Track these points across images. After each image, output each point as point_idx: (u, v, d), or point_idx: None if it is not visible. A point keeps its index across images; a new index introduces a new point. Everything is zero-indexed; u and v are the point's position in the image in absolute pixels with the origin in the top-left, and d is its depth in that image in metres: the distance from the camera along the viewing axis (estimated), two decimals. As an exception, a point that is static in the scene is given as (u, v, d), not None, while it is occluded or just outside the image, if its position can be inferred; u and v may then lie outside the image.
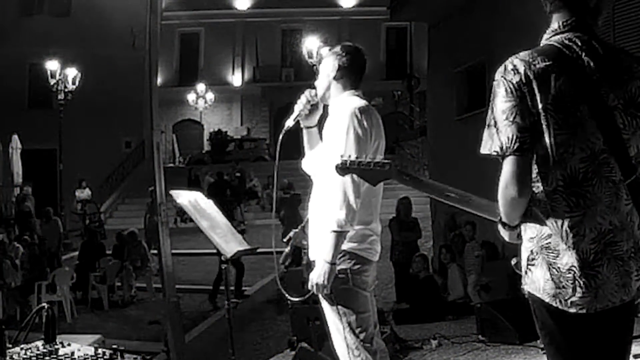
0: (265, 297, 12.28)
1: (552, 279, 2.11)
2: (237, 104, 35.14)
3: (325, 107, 3.55)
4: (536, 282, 2.15)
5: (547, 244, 2.12)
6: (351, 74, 3.51)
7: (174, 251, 7.84)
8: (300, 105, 3.49)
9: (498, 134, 2.10)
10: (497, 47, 10.87)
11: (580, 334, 2.15)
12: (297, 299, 3.85)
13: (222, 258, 4.61)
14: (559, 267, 2.10)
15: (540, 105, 2.08)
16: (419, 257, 9.96)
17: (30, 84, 26.93)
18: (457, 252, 10.39)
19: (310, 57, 24.16)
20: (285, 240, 3.87)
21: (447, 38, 12.82)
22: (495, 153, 2.12)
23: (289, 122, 3.48)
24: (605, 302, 2.11)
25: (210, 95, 33.72)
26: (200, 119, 34.42)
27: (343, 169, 2.44)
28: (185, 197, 4.73)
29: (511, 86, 2.09)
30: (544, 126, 2.08)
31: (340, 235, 3.20)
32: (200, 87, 33.56)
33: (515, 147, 2.07)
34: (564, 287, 2.10)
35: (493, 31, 10.77)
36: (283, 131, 3.46)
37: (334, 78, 3.47)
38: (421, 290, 9.40)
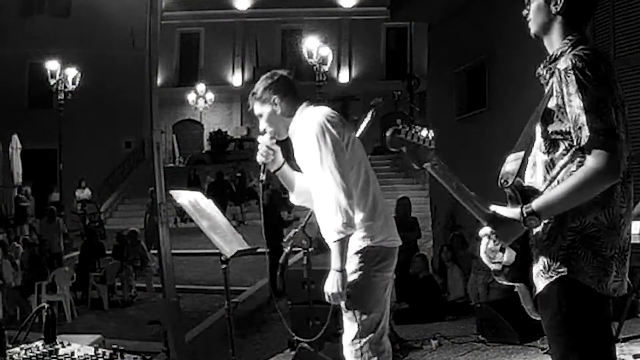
0: (265, 297, 12.27)
1: (599, 267, 2.24)
2: (237, 104, 35.11)
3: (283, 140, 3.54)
4: (580, 270, 2.25)
5: (591, 232, 2.25)
6: (292, 96, 3.47)
7: (174, 251, 7.85)
8: (262, 157, 3.47)
9: (598, 119, 2.19)
10: (497, 47, 10.88)
11: (607, 316, 2.32)
12: (307, 341, 3.92)
13: (222, 258, 4.60)
14: (604, 255, 2.25)
15: (616, 102, 2.24)
16: (418, 257, 9.96)
17: (30, 84, 26.95)
18: (457, 253, 10.38)
19: (310, 57, 24.15)
20: (285, 240, 3.87)
21: (447, 38, 12.82)
22: (601, 136, 2.18)
23: (262, 177, 3.49)
24: (624, 289, 2.31)
25: (210, 95, 33.71)
26: (200, 119, 34.41)
27: (396, 141, 2.24)
28: (185, 197, 4.72)
29: (600, 78, 2.22)
30: (618, 120, 2.24)
31: (343, 242, 3.22)
32: (200, 87, 33.55)
33: (617, 132, 2.20)
34: (607, 273, 2.25)
35: (493, 31, 10.77)
36: (260, 186, 3.54)
37: (282, 113, 3.44)
38: (421, 290, 9.39)
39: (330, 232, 3.22)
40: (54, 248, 14.30)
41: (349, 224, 3.20)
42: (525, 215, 2.23)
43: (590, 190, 2.21)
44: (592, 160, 2.19)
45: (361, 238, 3.30)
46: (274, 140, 3.48)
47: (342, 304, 3.32)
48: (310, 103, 3.47)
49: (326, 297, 3.30)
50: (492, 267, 2.37)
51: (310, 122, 3.33)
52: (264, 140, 3.47)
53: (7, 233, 16.31)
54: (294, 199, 3.67)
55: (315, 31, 30.03)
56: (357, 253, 3.31)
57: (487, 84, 11.52)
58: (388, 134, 2.24)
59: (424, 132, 2.23)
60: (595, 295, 2.24)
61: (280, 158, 3.54)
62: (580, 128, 2.21)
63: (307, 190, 3.52)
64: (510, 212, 2.28)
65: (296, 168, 3.59)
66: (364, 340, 3.30)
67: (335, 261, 3.23)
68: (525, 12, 2.45)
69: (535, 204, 2.24)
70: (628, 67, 7.77)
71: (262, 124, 3.49)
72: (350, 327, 3.35)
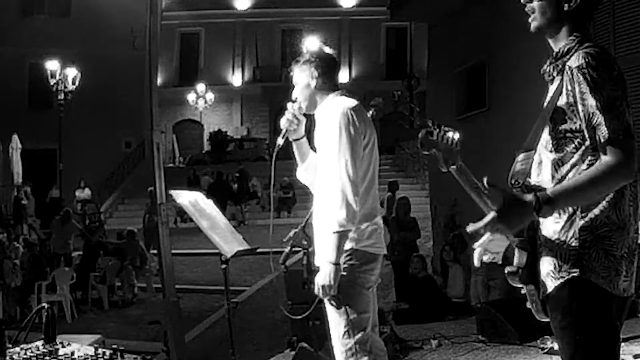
0: (265, 297, 12.27)
1: (610, 266, 2.23)
2: (237, 104, 35.15)
3: (309, 115, 3.54)
4: (592, 269, 2.23)
5: (603, 232, 2.23)
6: (330, 78, 3.49)
7: (174, 251, 7.85)
8: (286, 122, 3.47)
9: (615, 118, 2.18)
10: (497, 47, 10.88)
11: (617, 316, 2.30)
12: (299, 317, 3.90)
13: (222, 258, 4.61)
14: (614, 255, 2.23)
15: (627, 100, 2.24)
16: (416, 258, 9.97)
17: (30, 84, 26.93)
18: (458, 252, 10.39)
19: (310, 57, 24.18)
20: (285, 240, 3.87)
21: (447, 38, 12.83)
22: (620, 135, 2.17)
23: (279, 141, 3.49)
24: (632, 289, 2.29)
25: (210, 95, 33.72)
26: (200, 119, 34.42)
27: (428, 142, 2.19)
28: (185, 197, 4.73)
29: (614, 78, 2.20)
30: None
31: (342, 235, 3.21)
32: (200, 87, 33.56)
33: (633, 134, 2.19)
34: (618, 273, 2.24)
35: (493, 31, 10.78)
36: (275, 150, 3.49)
37: (316, 87, 3.46)
38: (420, 290, 9.40)
39: (332, 222, 3.21)
40: (62, 249, 14.20)
41: (351, 219, 3.20)
42: (541, 201, 2.15)
43: (605, 186, 2.19)
44: (609, 158, 2.17)
45: (349, 239, 3.28)
46: (302, 111, 3.49)
47: (329, 302, 3.29)
48: (344, 93, 3.48)
49: (316, 289, 3.28)
50: (507, 269, 2.35)
51: (338, 108, 3.33)
52: (292, 108, 3.49)
53: (7, 233, 16.29)
54: (300, 173, 3.65)
55: (315, 31, 30.08)
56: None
57: (487, 84, 11.52)
58: (421, 135, 2.20)
59: (450, 134, 2.20)
60: (606, 295, 2.23)
61: (302, 130, 3.55)
62: (594, 128, 2.18)
63: (313, 171, 3.53)
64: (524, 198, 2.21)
65: (312, 148, 3.59)
66: (355, 338, 3.29)
67: (331, 253, 3.21)
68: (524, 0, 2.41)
69: (551, 191, 2.19)
70: (628, 67, 7.77)
71: (295, 92, 3.51)
72: (337, 325, 3.33)
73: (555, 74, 2.33)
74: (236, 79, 35.01)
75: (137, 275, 13.70)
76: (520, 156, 2.36)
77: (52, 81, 22.59)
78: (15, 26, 25.85)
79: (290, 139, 3.54)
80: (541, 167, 2.37)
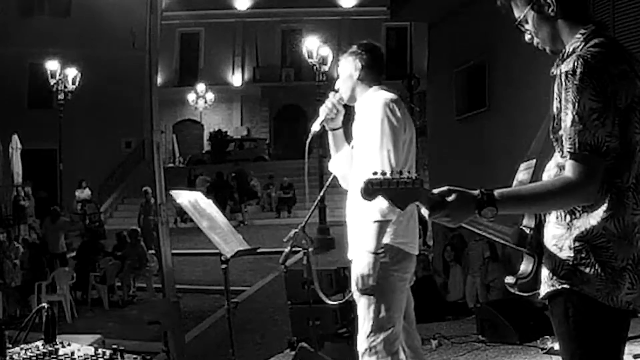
0: (265, 297, 12.28)
1: (608, 279, 2.11)
2: (237, 104, 35.15)
3: (347, 106, 3.55)
4: (587, 282, 2.14)
5: (600, 243, 2.12)
6: (374, 71, 3.48)
7: (174, 251, 7.85)
8: (326, 110, 3.48)
9: (587, 131, 2.06)
10: (497, 47, 10.88)
11: (619, 330, 2.19)
12: (335, 303, 3.88)
13: (222, 258, 4.61)
14: (613, 266, 2.11)
15: (626, 102, 2.10)
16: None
17: (30, 84, 26.93)
18: (459, 252, 10.39)
19: (310, 57, 24.15)
20: (285, 240, 3.87)
21: (447, 38, 12.83)
22: (585, 151, 2.06)
23: (315, 127, 3.49)
24: None
25: (210, 95, 33.73)
26: (200, 119, 34.43)
27: (369, 192, 2.12)
28: (185, 197, 4.73)
29: (600, 86, 2.07)
30: (629, 122, 2.11)
31: (383, 224, 3.17)
32: (200, 87, 33.56)
33: (603, 150, 2.06)
34: (618, 286, 2.12)
35: (493, 31, 10.77)
36: (310, 136, 3.50)
37: (358, 78, 3.46)
38: (420, 290, 9.39)
39: (373, 211, 3.13)
40: (56, 248, 14.22)
41: (392, 209, 3.06)
42: (484, 199, 2.06)
43: (559, 202, 2.11)
44: (569, 174, 2.07)
45: (385, 233, 3.22)
46: (342, 102, 3.50)
47: (363, 292, 3.24)
48: (384, 88, 3.47)
49: (354, 280, 3.23)
50: (506, 280, 2.32)
51: (379, 100, 3.32)
52: (333, 97, 3.50)
53: (7, 233, 16.30)
54: (332, 164, 3.65)
55: (315, 31, 29.94)
56: None
57: (487, 84, 11.52)
58: (361, 187, 2.12)
59: (405, 174, 2.09)
60: (603, 308, 2.13)
61: (340, 120, 3.56)
62: (567, 138, 2.09)
63: (347, 163, 3.53)
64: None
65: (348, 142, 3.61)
66: (379, 337, 3.24)
67: (371, 242, 3.16)
68: (527, 37, 2.33)
69: (499, 193, 2.08)
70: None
71: (338, 83, 3.53)
72: (364, 322, 3.28)
73: None
74: (236, 79, 35.01)
75: (136, 276, 13.71)
76: (522, 165, 2.31)
77: (52, 81, 22.62)
78: (15, 26, 25.85)
79: (327, 128, 3.55)
80: (550, 170, 2.29)
